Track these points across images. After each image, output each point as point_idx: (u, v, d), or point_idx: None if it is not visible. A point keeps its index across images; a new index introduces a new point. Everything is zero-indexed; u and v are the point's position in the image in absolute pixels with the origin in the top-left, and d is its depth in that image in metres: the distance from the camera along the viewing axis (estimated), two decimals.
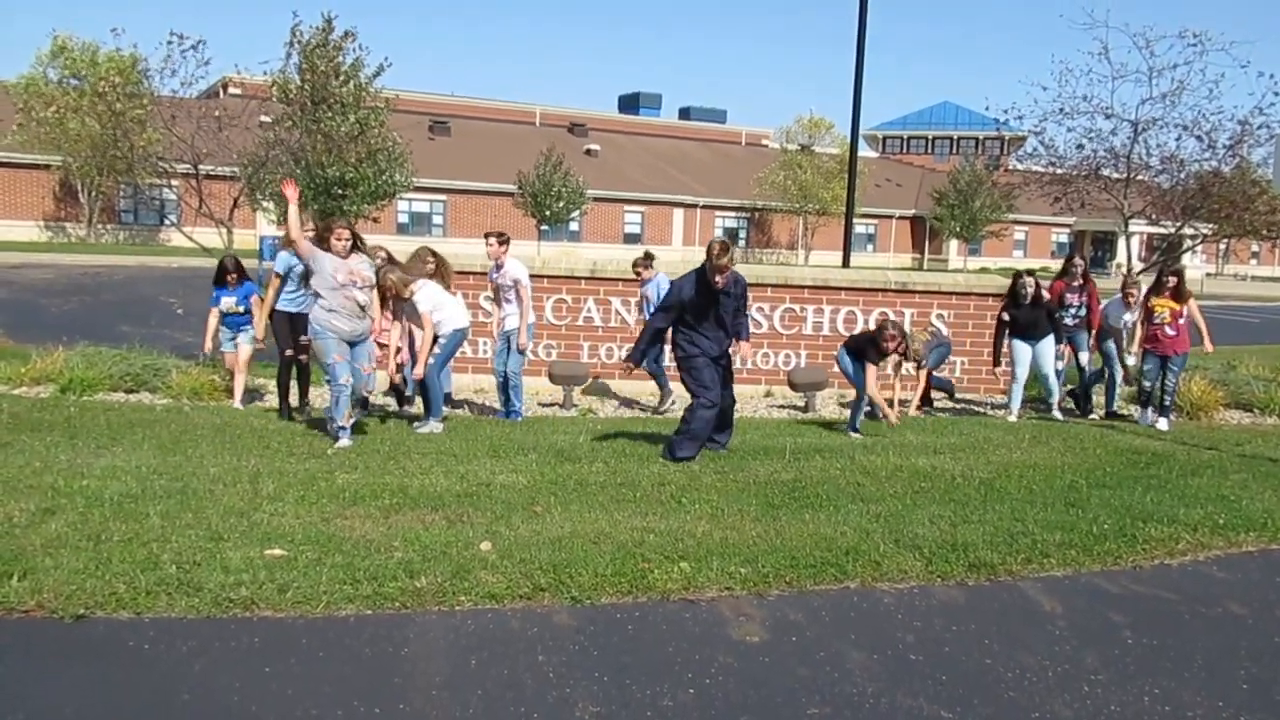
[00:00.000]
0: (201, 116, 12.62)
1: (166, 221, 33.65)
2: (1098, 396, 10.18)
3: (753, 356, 10.78)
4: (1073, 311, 9.85)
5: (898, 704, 3.43)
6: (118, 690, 3.34)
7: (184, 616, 3.89)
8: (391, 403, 9.17)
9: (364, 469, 6.31)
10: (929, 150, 64.85)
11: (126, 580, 4.10)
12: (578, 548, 4.75)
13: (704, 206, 49.42)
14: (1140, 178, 15.58)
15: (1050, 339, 9.43)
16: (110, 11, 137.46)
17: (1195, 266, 44.51)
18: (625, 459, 6.91)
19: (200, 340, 9.47)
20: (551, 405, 10.04)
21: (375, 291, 7.47)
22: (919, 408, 10.11)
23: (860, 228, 51.19)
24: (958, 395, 11.20)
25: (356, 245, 7.22)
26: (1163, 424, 9.16)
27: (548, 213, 40.65)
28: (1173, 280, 9.17)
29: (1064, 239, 56.49)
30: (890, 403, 9.83)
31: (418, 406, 8.55)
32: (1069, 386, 10.48)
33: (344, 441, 7.02)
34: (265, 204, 20.27)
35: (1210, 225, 16.65)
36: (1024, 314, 9.35)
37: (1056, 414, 9.70)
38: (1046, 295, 9.56)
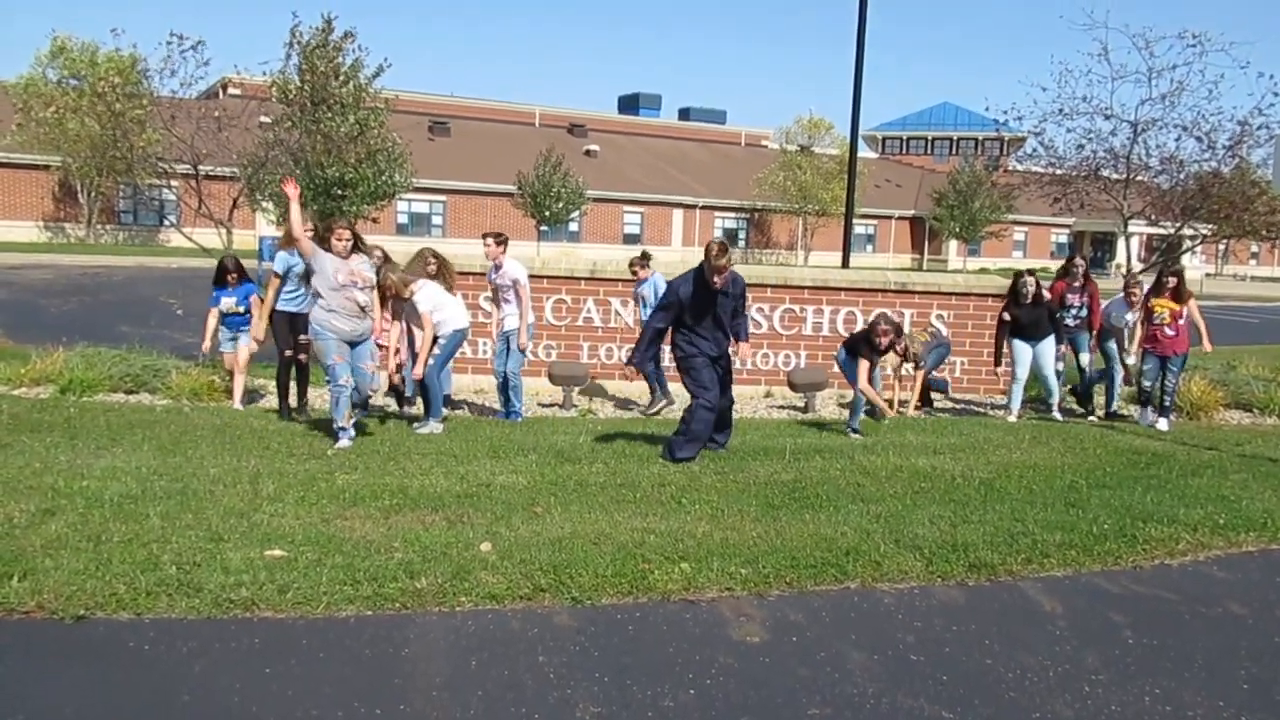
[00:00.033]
0: (201, 117, 12.62)
1: (166, 222, 33.67)
2: (1098, 397, 10.18)
3: (752, 357, 10.78)
4: (1074, 312, 9.83)
5: (898, 704, 3.43)
6: (118, 691, 3.34)
7: (184, 617, 3.89)
8: (391, 403, 9.16)
9: (364, 470, 6.31)
10: (929, 151, 64.89)
11: (127, 581, 4.10)
12: (578, 548, 4.75)
13: (703, 207, 49.44)
14: (1140, 178, 15.57)
15: (1051, 340, 9.43)
16: (110, 11, 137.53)
17: (1195, 267, 44.51)
18: (625, 460, 6.91)
19: (199, 341, 9.46)
20: (551, 406, 10.04)
21: (376, 292, 7.47)
22: (918, 407, 10.12)
23: (860, 228, 51.21)
24: (957, 395, 11.21)
25: (357, 246, 7.22)
26: (1163, 424, 9.16)
27: (547, 213, 40.67)
28: (1173, 281, 9.17)
29: (1063, 240, 56.52)
30: (890, 403, 9.84)
31: (418, 407, 8.55)
32: (1068, 386, 10.47)
33: (344, 442, 7.02)
34: (265, 204, 20.30)
35: (1210, 226, 16.65)
36: (1025, 313, 9.34)
37: (1056, 414, 9.70)
38: (1047, 295, 9.55)
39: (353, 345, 7.21)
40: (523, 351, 8.83)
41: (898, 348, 9.85)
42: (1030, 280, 9.39)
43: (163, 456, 6.41)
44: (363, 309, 7.17)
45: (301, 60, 17.97)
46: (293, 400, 8.50)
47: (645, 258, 9.92)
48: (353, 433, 7.26)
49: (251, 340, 8.60)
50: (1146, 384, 9.38)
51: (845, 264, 14.57)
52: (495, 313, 9.08)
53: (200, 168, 12.37)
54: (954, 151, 61.57)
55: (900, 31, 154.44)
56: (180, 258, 27.78)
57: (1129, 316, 9.75)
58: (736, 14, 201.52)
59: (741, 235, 50.70)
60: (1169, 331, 9.11)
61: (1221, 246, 52.35)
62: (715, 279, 6.83)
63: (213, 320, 8.82)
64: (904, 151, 65.26)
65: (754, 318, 10.65)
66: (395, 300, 7.91)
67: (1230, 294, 40.21)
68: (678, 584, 4.41)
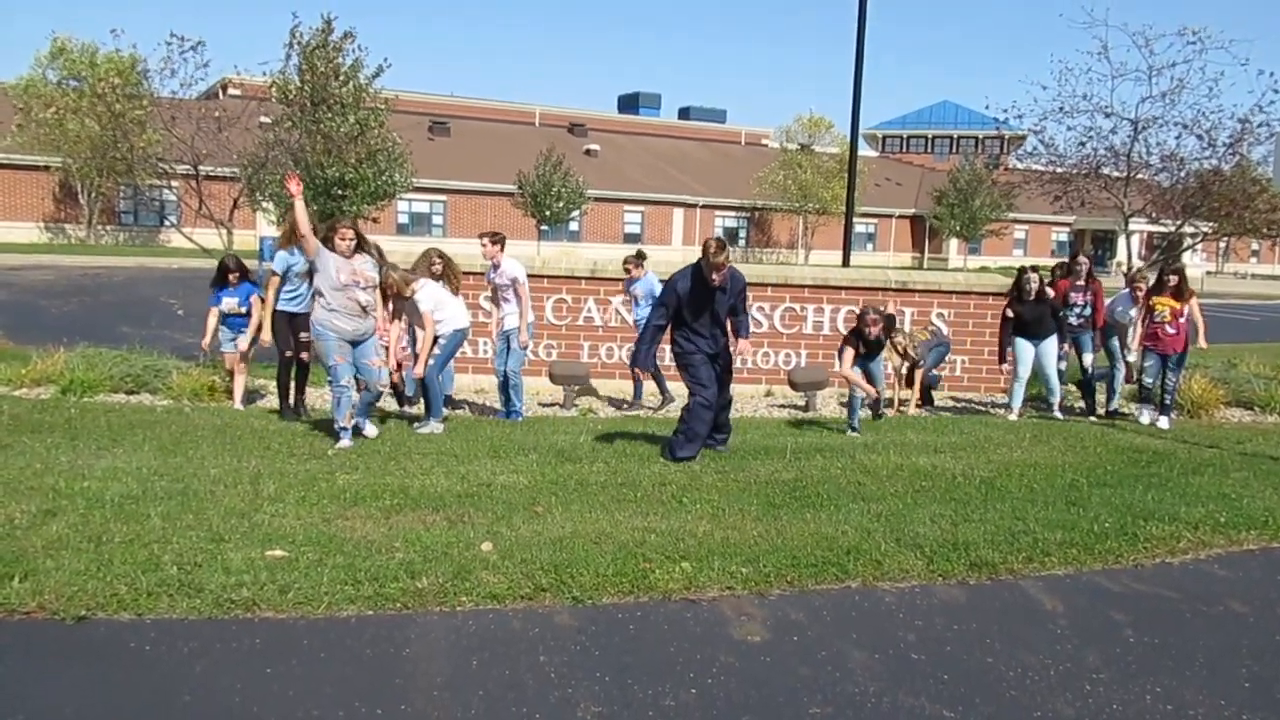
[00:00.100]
0: (201, 117, 12.63)
1: (166, 222, 33.67)
2: (1099, 395, 10.17)
3: (753, 356, 10.79)
4: (1077, 311, 9.77)
5: (899, 703, 3.43)
6: (119, 691, 3.34)
7: (185, 618, 3.89)
8: (392, 403, 9.16)
9: (365, 470, 6.31)
10: (929, 149, 64.82)
11: (128, 581, 4.10)
12: (579, 548, 4.75)
13: (704, 206, 49.41)
14: (1140, 176, 15.57)
15: (1054, 339, 9.39)
16: (109, 12, 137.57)
17: (1195, 265, 44.45)
18: (626, 459, 6.91)
19: (199, 341, 9.45)
20: (552, 405, 10.04)
21: (378, 291, 7.46)
22: (919, 406, 10.12)
23: (860, 227, 51.16)
24: (958, 394, 11.21)
25: (361, 245, 7.22)
26: (1163, 422, 9.16)
27: (547, 213, 40.67)
28: (1174, 279, 9.16)
29: (1064, 238, 56.48)
30: (890, 402, 9.84)
31: (418, 407, 8.55)
32: (1076, 380, 10.45)
33: (344, 442, 7.02)
34: (265, 205, 20.30)
35: (1210, 223, 16.64)
36: (1028, 310, 9.32)
37: (1057, 413, 9.69)
38: (1051, 293, 9.53)
39: (355, 344, 7.21)
40: (524, 349, 8.83)
41: (898, 345, 9.86)
42: (1034, 276, 9.37)
43: (164, 457, 6.41)
44: (364, 308, 7.17)
45: (301, 60, 17.98)
46: (292, 399, 8.50)
47: (640, 257, 9.94)
48: (373, 431, 7.45)
49: (260, 341, 8.58)
50: (1148, 381, 9.37)
51: (846, 263, 14.57)
52: (495, 312, 9.08)
53: (200, 168, 12.38)
54: (954, 150, 61.53)
55: (900, 31, 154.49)
56: (181, 258, 27.78)
57: (1133, 312, 9.73)
58: (736, 14, 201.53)
59: (742, 234, 50.69)
60: (1169, 330, 9.11)
61: (1222, 244, 52.30)
62: (713, 276, 6.83)
63: (213, 320, 8.82)
64: (904, 150, 65.21)
65: (755, 316, 10.65)
66: (396, 299, 7.91)
67: (1231, 292, 40.19)
68: (679, 583, 4.41)
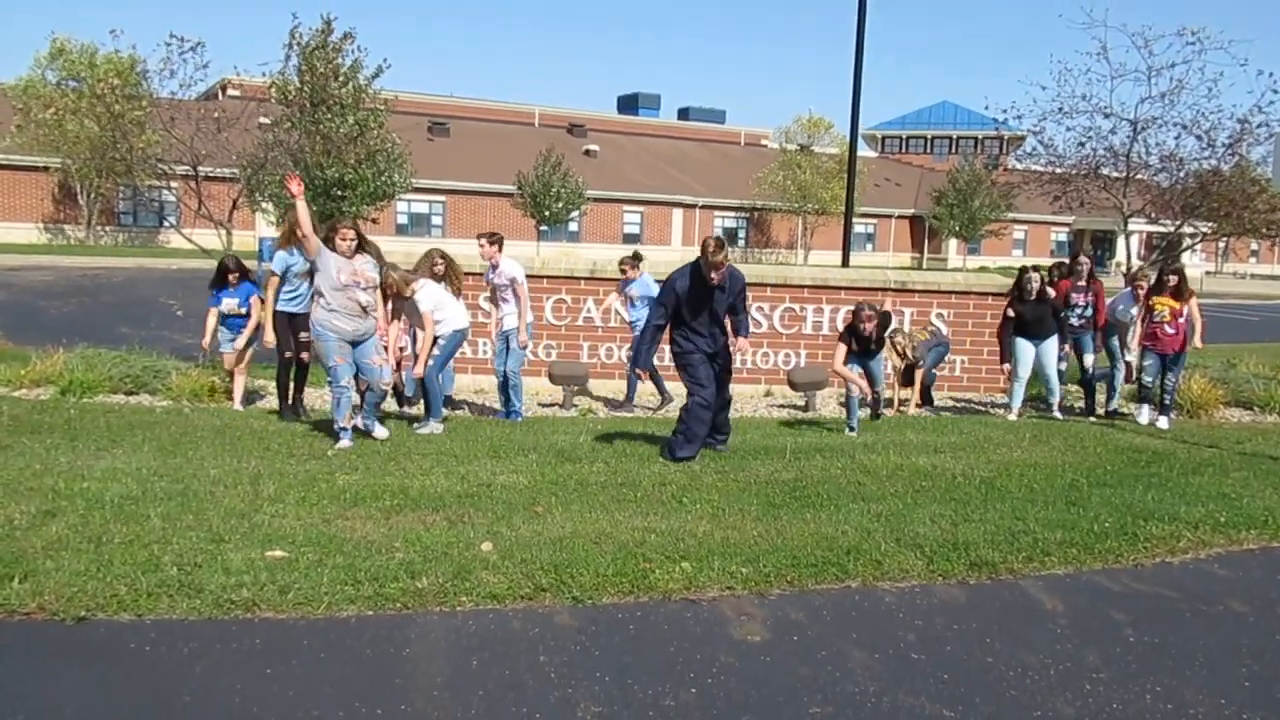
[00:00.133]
0: (200, 118, 12.62)
1: (165, 223, 33.70)
2: (1099, 395, 10.18)
3: (752, 356, 10.79)
4: (1078, 311, 9.76)
5: (899, 703, 3.43)
6: (119, 692, 3.34)
7: (185, 618, 3.89)
8: (392, 404, 9.16)
9: (364, 470, 6.31)
10: (928, 150, 64.85)
11: (128, 582, 4.10)
12: (579, 548, 4.75)
13: (703, 206, 49.42)
14: (1140, 176, 15.55)
15: (1054, 339, 9.38)
16: (109, 12, 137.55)
17: (1195, 265, 44.45)
18: (626, 459, 6.92)
19: (199, 342, 9.45)
20: (551, 405, 10.04)
21: (378, 291, 7.46)
22: (919, 406, 10.12)
23: (859, 227, 51.18)
24: (957, 394, 11.21)
25: (362, 246, 7.22)
26: (1163, 422, 9.16)
27: (547, 213, 40.68)
28: (1173, 279, 9.16)
29: (1063, 238, 56.51)
30: (890, 402, 9.85)
31: (418, 408, 8.55)
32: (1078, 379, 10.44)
33: (344, 442, 7.02)
34: (264, 205, 20.31)
35: (1209, 224, 16.63)
36: (1029, 310, 9.31)
37: (1057, 413, 9.69)
38: (1052, 293, 9.53)
39: (355, 344, 7.20)
40: (523, 348, 8.82)
41: (898, 346, 9.86)
42: (1035, 276, 9.36)
43: (163, 458, 6.41)
44: (365, 309, 7.17)
45: (301, 61, 18.00)
46: (291, 399, 8.49)
47: (636, 258, 9.95)
48: (384, 433, 7.41)
49: (264, 342, 8.57)
50: (1147, 380, 9.37)
51: (845, 263, 14.58)
52: (494, 312, 9.08)
53: (200, 169, 12.37)
54: (953, 150, 61.54)
55: (900, 31, 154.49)
56: (180, 259, 27.77)
57: (1134, 310, 9.72)
58: (736, 14, 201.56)
59: (741, 235, 50.70)
60: (1169, 330, 9.11)
61: (1221, 244, 52.29)
62: (712, 275, 6.84)
63: (212, 320, 8.82)
64: (903, 150, 65.23)
65: (754, 317, 10.65)
66: (395, 299, 7.91)
67: (1230, 292, 40.22)
68: (679, 583, 4.40)
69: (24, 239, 34.94)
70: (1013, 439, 8.11)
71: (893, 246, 54.66)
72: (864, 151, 55.43)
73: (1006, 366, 9.66)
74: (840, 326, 10.95)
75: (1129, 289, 9.88)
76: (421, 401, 8.34)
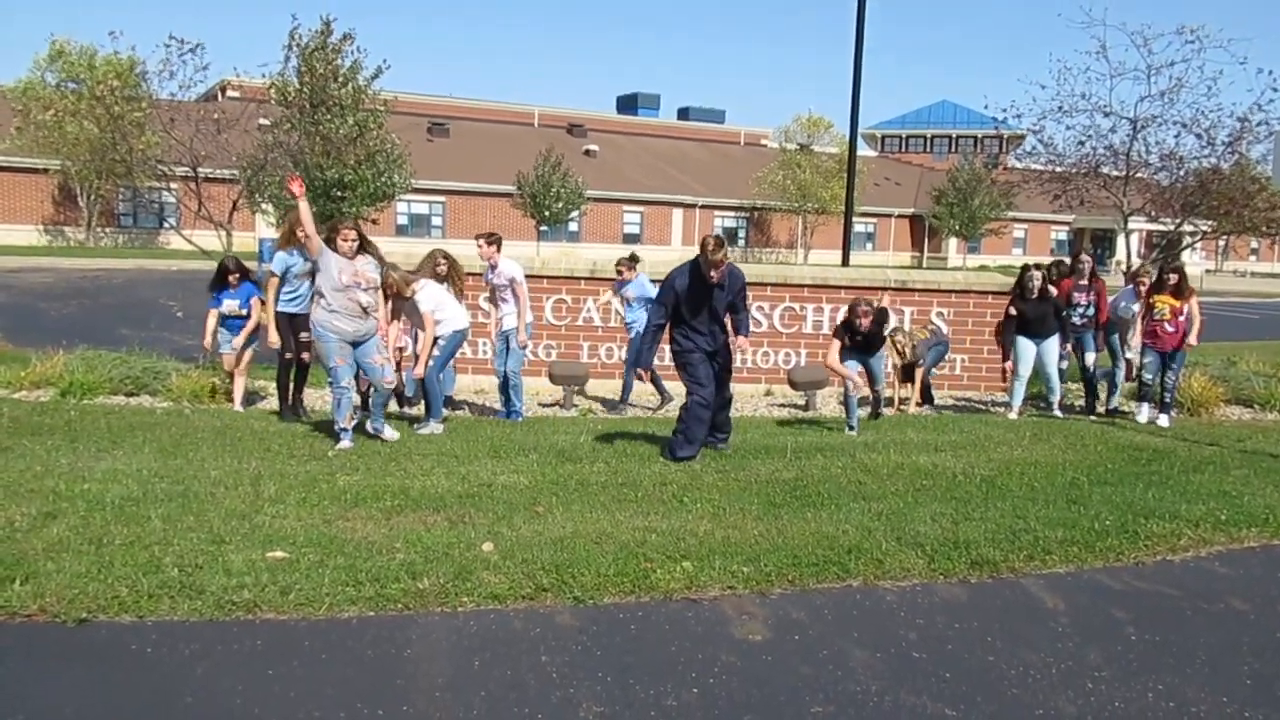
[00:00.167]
0: (200, 119, 12.64)
1: (165, 224, 33.71)
2: (1100, 393, 10.17)
3: (752, 355, 10.79)
4: (1080, 310, 9.75)
5: (901, 702, 3.43)
6: (120, 693, 3.34)
7: (186, 619, 3.89)
8: (392, 404, 9.16)
9: (365, 471, 6.31)
10: (928, 149, 64.82)
11: (128, 584, 4.10)
12: (580, 548, 4.75)
13: (703, 206, 49.40)
14: (1139, 175, 15.55)
15: (1055, 338, 9.37)
16: (109, 13, 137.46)
17: (1195, 263, 44.45)
18: (626, 459, 6.91)
19: (199, 343, 9.44)
20: (552, 405, 10.04)
21: (379, 292, 7.46)
22: (919, 404, 10.12)
23: (859, 226, 51.16)
24: (957, 393, 11.20)
25: (363, 246, 7.22)
26: (1163, 420, 9.16)
27: (546, 213, 40.67)
28: (1174, 277, 9.16)
29: (1063, 237, 56.50)
30: (890, 401, 9.84)
31: (419, 408, 8.55)
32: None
33: (345, 443, 7.02)
34: (264, 206, 20.32)
35: (1209, 222, 16.62)
36: (1030, 308, 9.30)
37: (1057, 412, 9.69)
38: (1054, 292, 9.52)
39: (356, 345, 7.20)
40: (523, 348, 8.82)
41: (898, 345, 9.86)
42: (1036, 274, 9.35)
43: (164, 459, 6.41)
44: (365, 310, 7.17)
45: (300, 62, 18.02)
46: (291, 400, 8.49)
47: (633, 259, 9.95)
48: (392, 434, 7.36)
49: (268, 342, 8.56)
50: (1148, 377, 9.36)
51: (845, 262, 14.57)
52: (494, 312, 9.09)
53: (199, 170, 12.37)
54: (953, 149, 61.52)
55: (900, 31, 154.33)
56: (180, 260, 27.77)
57: (1136, 307, 9.71)
58: (736, 14, 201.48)
59: (741, 234, 50.68)
60: (1169, 328, 9.11)
61: (1221, 243, 52.27)
62: (712, 273, 6.84)
63: (212, 321, 8.81)
64: (903, 150, 65.20)
65: (755, 316, 10.65)
66: (396, 299, 7.91)
67: (1230, 290, 40.21)
68: (680, 583, 4.40)
69: (24, 241, 34.93)
70: (1013, 437, 8.11)
71: (893, 246, 54.65)
72: (864, 151, 55.41)
73: (1008, 365, 9.65)
74: None
75: (1131, 286, 9.87)
76: (422, 402, 8.35)
